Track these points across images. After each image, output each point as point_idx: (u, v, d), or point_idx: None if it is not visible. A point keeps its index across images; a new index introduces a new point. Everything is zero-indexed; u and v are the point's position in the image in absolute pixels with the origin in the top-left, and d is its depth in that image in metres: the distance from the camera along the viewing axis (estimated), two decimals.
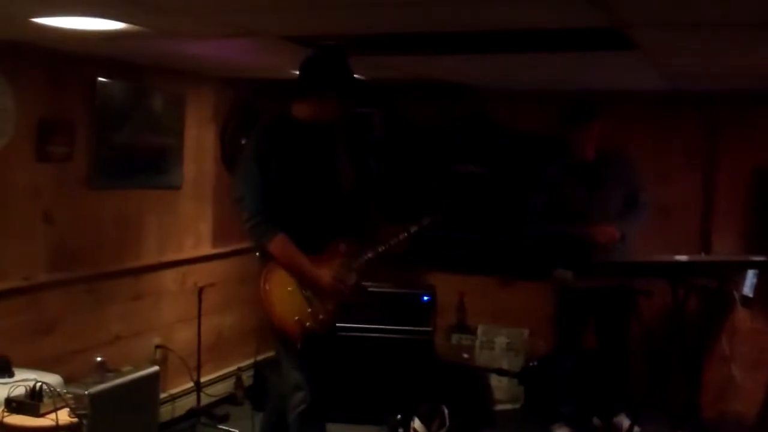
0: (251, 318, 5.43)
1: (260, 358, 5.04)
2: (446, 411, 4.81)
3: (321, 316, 3.53)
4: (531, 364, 5.52)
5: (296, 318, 3.47)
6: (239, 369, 5.63)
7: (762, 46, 3.39)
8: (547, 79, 5.09)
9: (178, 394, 5.10)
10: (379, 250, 3.68)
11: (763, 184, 5.32)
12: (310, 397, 3.51)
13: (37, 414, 3.34)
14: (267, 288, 3.49)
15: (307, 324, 3.47)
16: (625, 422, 4.83)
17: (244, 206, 3.48)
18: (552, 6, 2.74)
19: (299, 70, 3.57)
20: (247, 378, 5.60)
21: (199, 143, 5.34)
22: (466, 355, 5.66)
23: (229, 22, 3.24)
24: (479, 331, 5.82)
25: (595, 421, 5.07)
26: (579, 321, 4.97)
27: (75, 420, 3.32)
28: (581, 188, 4.82)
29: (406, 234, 3.70)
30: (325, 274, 3.51)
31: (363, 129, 5.72)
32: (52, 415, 3.32)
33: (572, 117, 4.81)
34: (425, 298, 5.37)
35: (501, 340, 5.76)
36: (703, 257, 4.90)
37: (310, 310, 3.51)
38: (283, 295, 3.49)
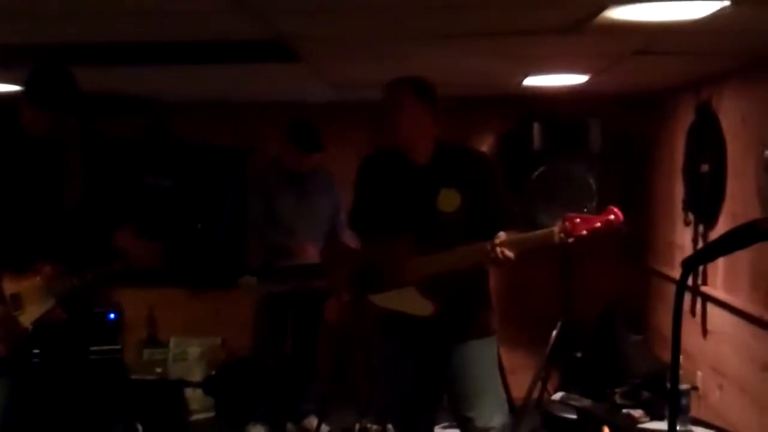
0: None
1: None
2: (141, 428, 4.73)
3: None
4: (212, 373, 5.53)
5: None
6: None
7: (416, 56, 3.72)
8: (218, 91, 5.14)
9: None
10: (88, 277, 3.40)
11: None
12: None
13: None
14: None
15: None
16: (314, 422, 4.93)
17: None
18: (213, 18, 2.83)
19: (27, 79, 3.29)
20: None
21: None
22: (159, 370, 5.58)
23: None
24: (172, 343, 5.74)
25: (289, 426, 5.15)
26: (275, 326, 5.06)
27: None
28: (291, 198, 4.85)
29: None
30: None
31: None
32: None
33: (302, 144, 4.76)
34: (111, 315, 5.22)
35: (194, 350, 5.72)
36: None
37: None
38: None
